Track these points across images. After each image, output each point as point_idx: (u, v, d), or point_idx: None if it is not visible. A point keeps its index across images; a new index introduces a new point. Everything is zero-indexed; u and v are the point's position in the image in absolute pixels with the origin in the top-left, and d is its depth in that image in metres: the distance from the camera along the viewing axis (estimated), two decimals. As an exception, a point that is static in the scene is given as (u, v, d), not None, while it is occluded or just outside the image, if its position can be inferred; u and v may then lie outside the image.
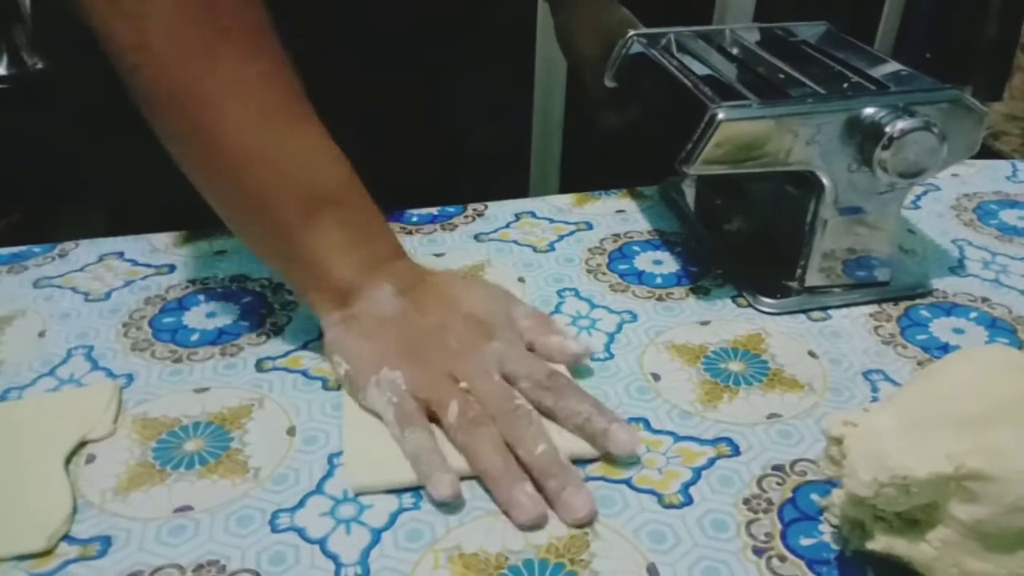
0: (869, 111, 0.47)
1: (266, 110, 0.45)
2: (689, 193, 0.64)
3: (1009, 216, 0.64)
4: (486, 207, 0.64)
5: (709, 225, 0.61)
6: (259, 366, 0.47)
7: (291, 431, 0.43)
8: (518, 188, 0.83)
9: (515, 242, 0.60)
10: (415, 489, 0.39)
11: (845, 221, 0.51)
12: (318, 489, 0.39)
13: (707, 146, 0.46)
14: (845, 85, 0.51)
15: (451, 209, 0.64)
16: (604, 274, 0.56)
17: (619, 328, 0.51)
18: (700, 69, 0.54)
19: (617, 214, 0.64)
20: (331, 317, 0.46)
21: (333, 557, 0.36)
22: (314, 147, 0.46)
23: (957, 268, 0.57)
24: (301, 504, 0.39)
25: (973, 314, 0.52)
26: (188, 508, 0.38)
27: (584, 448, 0.41)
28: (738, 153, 0.47)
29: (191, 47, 0.43)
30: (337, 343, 0.45)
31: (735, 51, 0.59)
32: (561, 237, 0.61)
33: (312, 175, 0.46)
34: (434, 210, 0.64)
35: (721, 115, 0.46)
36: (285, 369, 0.47)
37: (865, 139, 0.47)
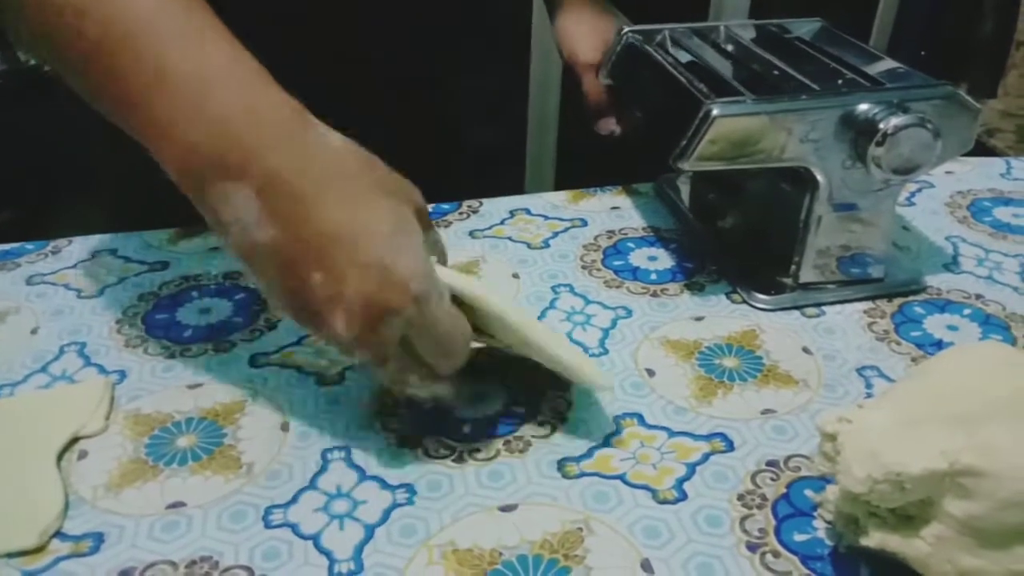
0: (863, 107, 0.47)
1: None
2: (684, 190, 0.64)
3: (1003, 213, 0.64)
4: (481, 204, 0.64)
5: (704, 221, 0.61)
6: (252, 362, 0.47)
7: (284, 427, 0.43)
8: (514, 185, 0.83)
9: (510, 239, 0.60)
10: (408, 484, 0.39)
11: (839, 218, 0.51)
12: (311, 485, 0.39)
13: (701, 142, 0.46)
14: (839, 82, 0.51)
15: (446, 206, 0.64)
16: (599, 270, 0.56)
17: (614, 324, 0.51)
18: (695, 65, 0.54)
19: (612, 211, 0.64)
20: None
21: (327, 553, 0.36)
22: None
23: (951, 265, 0.57)
24: (294, 500, 0.38)
25: (967, 311, 0.52)
26: (181, 504, 0.38)
27: None
28: (732, 149, 0.47)
29: None
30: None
31: (730, 47, 0.59)
32: (556, 234, 0.60)
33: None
34: (429, 207, 0.63)
35: (716, 111, 0.46)
36: (279, 365, 0.47)
37: (859, 135, 0.47)
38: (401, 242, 0.37)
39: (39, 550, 0.36)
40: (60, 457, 0.41)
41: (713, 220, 0.61)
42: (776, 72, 0.52)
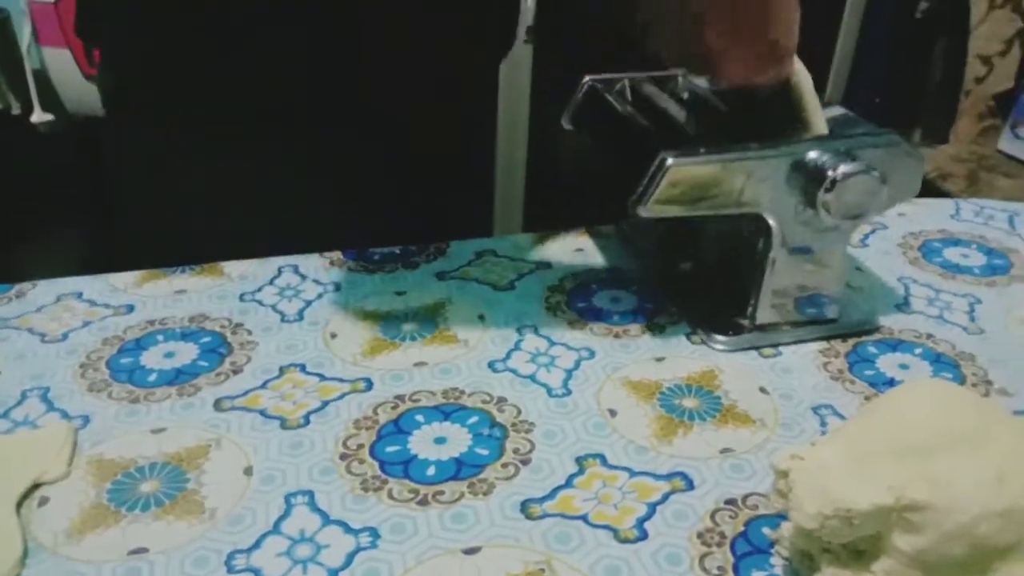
0: (812, 155, 0.49)
1: None
2: (645, 233, 0.66)
3: (952, 254, 0.66)
4: (448, 246, 0.65)
5: (664, 263, 0.62)
6: (217, 405, 0.47)
7: (248, 471, 0.43)
8: (482, 226, 0.84)
9: (476, 280, 0.61)
10: (371, 528, 0.39)
11: (794, 260, 0.52)
12: (275, 529, 0.39)
13: (658, 189, 0.48)
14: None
15: (412, 248, 0.65)
16: (563, 311, 0.57)
17: (577, 365, 0.52)
18: (653, 114, 0.56)
19: (576, 252, 0.65)
20: None
21: (289, 598, 0.36)
22: None
23: (903, 305, 0.59)
24: (257, 545, 0.38)
25: (918, 350, 0.54)
26: (143, 550, 0.38)
27: None
28: (688, 196, 0.49)
29: None
30: None
31: (687, 96, 0.61)
32: (521, 275, 0.62)
33: None
34: (396, 248, 0.64)
35: (670, 160, 0.47)
36: (243, 408, 0.47)
37: (809, 182, 0.49)
38: None
39: (-4, 599, 0.36)
40: (20, 504, 0.40)
41: (674, 262, 0.62)
42: (729, 121, 0.54)
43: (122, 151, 0.69)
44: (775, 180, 0.49)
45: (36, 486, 0.41)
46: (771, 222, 0.50)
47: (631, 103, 0.59)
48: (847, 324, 0.56)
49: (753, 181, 0.49)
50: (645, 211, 0.48)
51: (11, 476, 0.41)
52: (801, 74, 0.50)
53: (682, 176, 0.48)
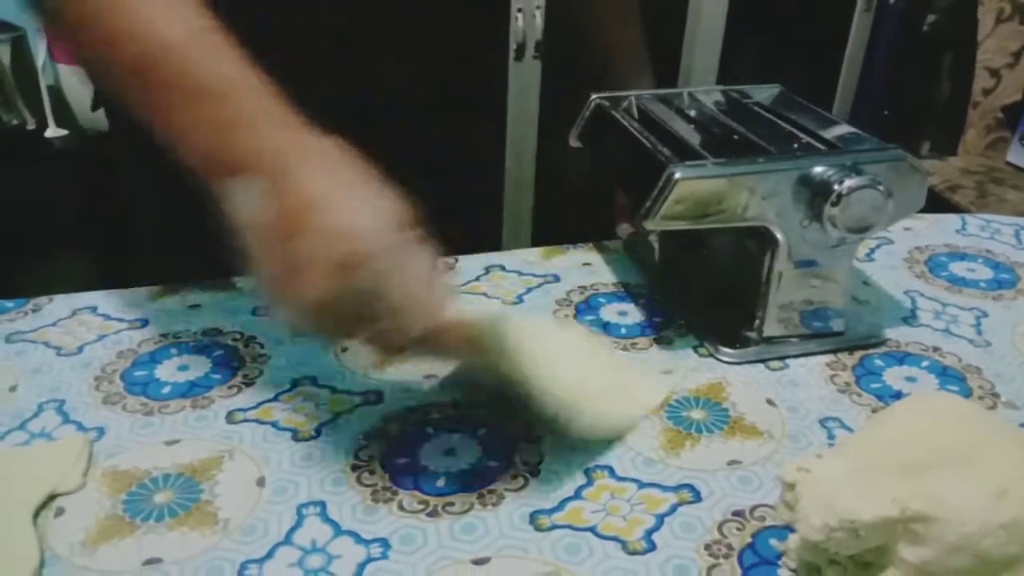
0: (818, 170, 0.49)
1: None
2: (653, 247, 0.66)
3: (958, 268, 0.67)
4: (457, 260, 0.66)
5: (672, 277, 0.63)
6: (230, 418, 0.48)
7: (260, 482, 0.43)
8: (490, 240, 0.85)
9: (485, 294, 0.61)
10: (382, 538, 0.40)
11: (800, 274, 0.53)
12: (287, 540, 0.40)
13: (665, 203, 0.48)
14: (796, 145, 0.53)
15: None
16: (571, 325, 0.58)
17: (585, 378, 0.52)
18: (659, 130, 0.57)
19: (584, 267, 0.66)
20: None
21: (301, 607, 0.36)
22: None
23: (909, 318, 0.59)
24: (270, 555, 0.39)
25: (925, 363, 0.54)
26: (158, 560, 0.39)
27: None
28: (695, 210, 0.49)
29: None
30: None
31: (693, 112, 0.62)
32: (529, 290, 0.62)
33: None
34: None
35: (678, 174, 0.48)
36: (256, 421, 0.48)
37: (815, 196, 0.49)
38: (369, 203, 0.40)
39: (14, 608, 0.36)
40: (37, 514, 0.41)
41: (681, 276, 0.63)
42: (736, 136, 0.55)
43: (131, 168, 0.70)
44: (781, 194, 0.50)
45: (52, 497, 0.42)
46: (777, 236, 0.51)
47: (637, 120, 0.59)
48: (854, 337, 0.56)
49: (759, 195, 0.49)
50: (652, 225, 0.49)
51: (28, 487, 0.42)
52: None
53: (689, 190, 0.48)
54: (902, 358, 0.55)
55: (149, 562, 0.39)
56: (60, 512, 0.41)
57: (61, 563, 0.38)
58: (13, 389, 0.50)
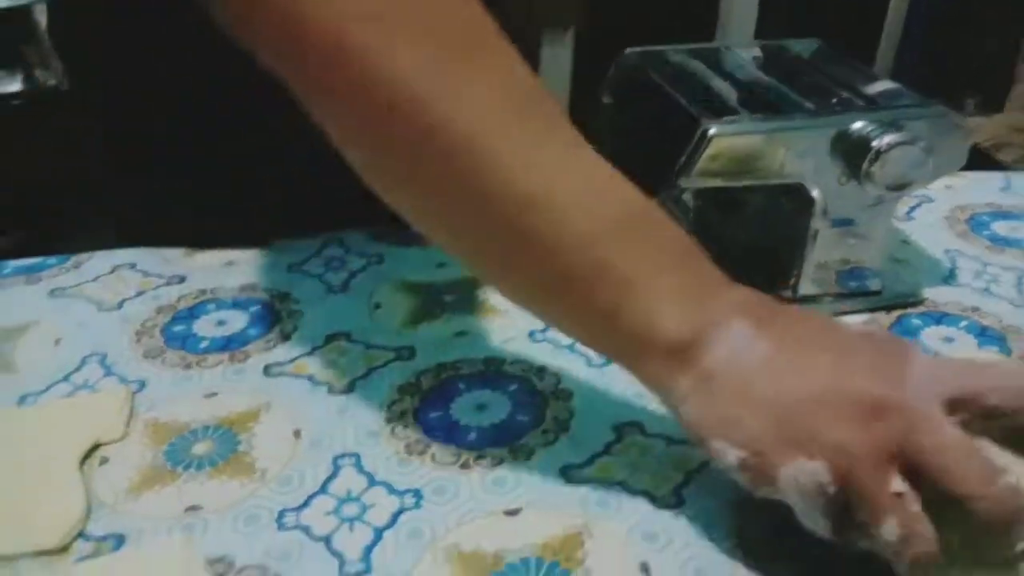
0: (857, 126, 0.48)
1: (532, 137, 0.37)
2: (686, 205, 0.66)
3: (1001, 227, 0.65)
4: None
5: (706, 237, 0.62)
6: (267, 371, 0.49)
7: (297, 434, 0.44)
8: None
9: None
10: (415, 489, 0.41)
11: (836, 232, 0.52)
12: (322, 489, 0.41)
13: (700, 160, 0.48)
14: (834, 101, 0.52)
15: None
16: (602, 284, 0.58)
17: (616, 336, 0.52)
18: (693, 85, 0.56)
19: (616, 226, 0.65)
20: (678, 386, 0.36)
21: (337, 554, 0.37)
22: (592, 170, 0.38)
23: (948, 278, 0.58)
24: (306, 504, 0.40)
25: (963, 323, 0.54)
26: (198, 507, 0.40)
27: None
28: (730, 167, 0.48)
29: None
30: (707, 423, 0.35)
31: (728, 68, 0.61)
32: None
33: (600, 202, 0.38)
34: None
35: (713, 130, 0.47)
36: (292, 375, 0.49)
37: (853, 153, 0.48)
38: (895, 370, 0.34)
39: (63, 550, 0.38)
40: (82, 463, 0.42)
41: (715, 235, 0.62)
42: (773, 92, 0.54)
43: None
44: (818, 151, 0.49)
45: (96, 447, 0.43)
46: (814, 194, 0.50)
47: (672, 75, 0.58)
48: (891, 296, 0.55)
49: (796, 152, 0.49)
50: (687, 182, 0.48)
51: (73, 437, 0.43)
52: None
53: (724, 146, 0.48)
54: (940, 318, 0.54)
55: (190, 509, 0.40)
56: (104, 461, 0.43)
57: (106, 509, 0.40)
58: (57, 343, 0.52)
